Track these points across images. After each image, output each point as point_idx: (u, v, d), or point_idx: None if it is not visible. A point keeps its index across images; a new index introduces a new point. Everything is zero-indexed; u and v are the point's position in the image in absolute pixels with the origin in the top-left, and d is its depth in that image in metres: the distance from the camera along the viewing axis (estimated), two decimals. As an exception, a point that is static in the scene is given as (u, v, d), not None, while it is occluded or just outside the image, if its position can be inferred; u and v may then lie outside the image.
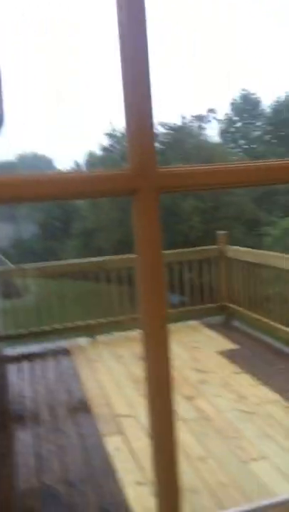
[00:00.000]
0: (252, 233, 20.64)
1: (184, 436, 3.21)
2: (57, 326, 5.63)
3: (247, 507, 0.91)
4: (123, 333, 5.80)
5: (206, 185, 0.84)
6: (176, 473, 0.81)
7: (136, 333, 5.70)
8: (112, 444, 3.23)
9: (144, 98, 0.75)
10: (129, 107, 0.75)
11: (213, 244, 6.33)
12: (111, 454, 3.10)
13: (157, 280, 0.79)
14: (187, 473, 2.77)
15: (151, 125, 0.76)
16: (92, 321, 5.74)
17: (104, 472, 2.90)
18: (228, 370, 4.43)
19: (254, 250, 5.63)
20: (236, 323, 5.95)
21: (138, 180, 0.76)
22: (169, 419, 0.81)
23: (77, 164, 28.00)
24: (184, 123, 23.86)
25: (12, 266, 14.02)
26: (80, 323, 5.70)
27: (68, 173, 0.58)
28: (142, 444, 3.19)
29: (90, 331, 5.74)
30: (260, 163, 0.85)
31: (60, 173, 0.61)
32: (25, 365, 4.99)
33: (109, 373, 4.56)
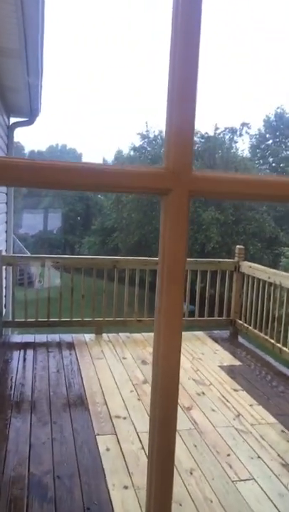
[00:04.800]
0: (269, 251, 20.52)
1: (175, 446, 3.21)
2: (65, 318, 5.69)
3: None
4: (129, 335, 5.83)
5: (242, 195, 0.84)
6: (171, 485, 0.81)
7: (141, 336, 5.73)
8: (104, 443, 3.24)
9: (188, 97, 0.72)
10: (172, 103, 0.73)
11: (228, 258, 6.34)
12: (101, 453, 3.12)
13: (178, 282, 0.77)
14: (174, 484, 2.77)
15: (192, 125, 0.73)
16: (99, 319, 5.78)
17: (92, 471, 2.92)
18: (227, 385, 4.42)
19: (269, 269, 5.60)
20: (242, 340, 5.94)
21: (172, 180, 0.74)
22: (171, 430, 0.80)
23: (105, 162, 28.25)
24: (216, 133, 23.83)
25: (29, 255, 14.15)
26: (87, 319, 5.75)
27: (103, 165, 0.59)
28: (133, 447, 3.21)
29: (97, 328, 5.78)
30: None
31: (96, 164, 0.61)
32: (30, 353, 5.04)
33: (111, 373, 4.59)
